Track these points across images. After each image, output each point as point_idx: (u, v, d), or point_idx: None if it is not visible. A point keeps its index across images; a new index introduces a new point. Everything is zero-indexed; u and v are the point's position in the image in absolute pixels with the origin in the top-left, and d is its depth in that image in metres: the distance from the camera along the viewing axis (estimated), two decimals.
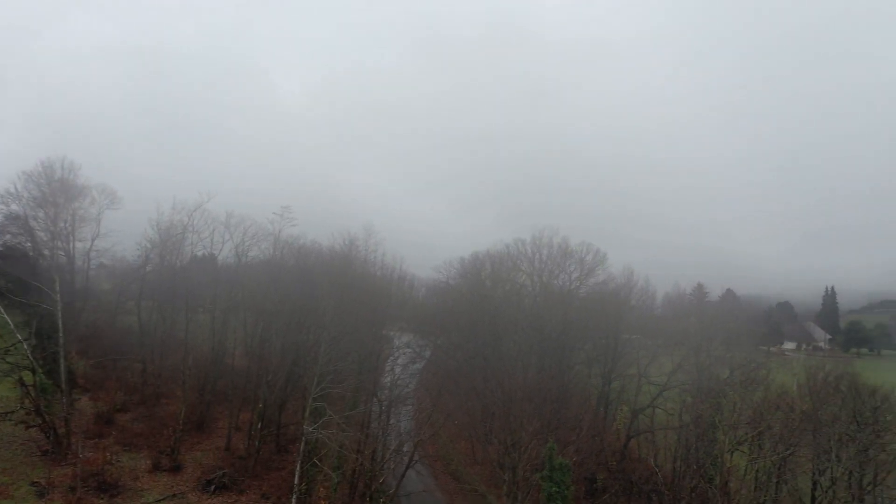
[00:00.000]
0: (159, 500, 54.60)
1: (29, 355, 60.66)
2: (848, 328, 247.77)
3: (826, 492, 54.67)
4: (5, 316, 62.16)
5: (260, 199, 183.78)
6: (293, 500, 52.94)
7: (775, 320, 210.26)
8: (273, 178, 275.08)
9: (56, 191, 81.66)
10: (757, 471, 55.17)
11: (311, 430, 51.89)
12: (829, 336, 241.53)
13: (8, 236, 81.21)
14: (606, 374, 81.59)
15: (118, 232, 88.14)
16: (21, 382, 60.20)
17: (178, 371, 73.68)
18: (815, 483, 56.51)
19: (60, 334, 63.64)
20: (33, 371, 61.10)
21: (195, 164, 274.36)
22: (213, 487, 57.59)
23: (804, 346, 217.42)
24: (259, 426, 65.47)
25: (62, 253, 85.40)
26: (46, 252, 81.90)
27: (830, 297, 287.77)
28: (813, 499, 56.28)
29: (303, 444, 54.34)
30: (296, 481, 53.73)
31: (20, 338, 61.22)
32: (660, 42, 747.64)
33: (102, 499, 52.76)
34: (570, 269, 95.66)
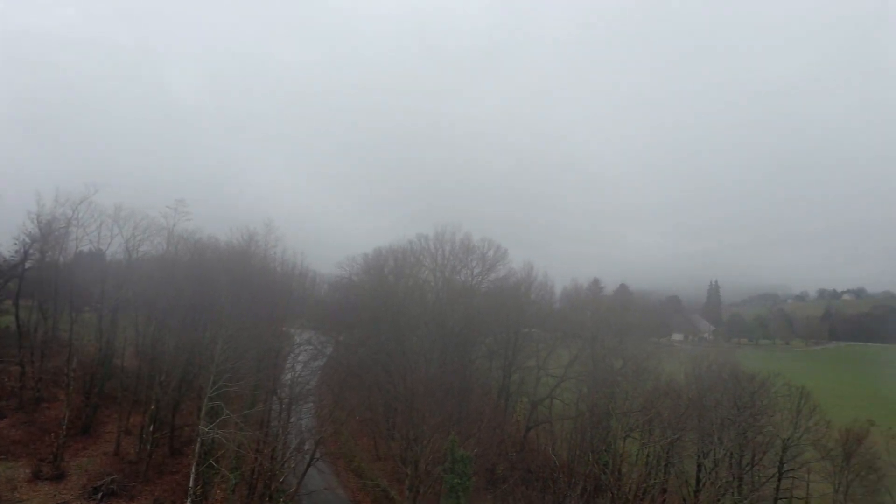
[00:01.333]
0: None
1: None
2: (730, 320, 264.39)
3: (709, 473, 57.98)
4: None
5: (153, 193, 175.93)
6: None
7: (665, 313, 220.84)
8: (168, 172, 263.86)
9: None
10: (647, 455, 57.88)
11: (207, 430, 50.12)
12: (713, 327, 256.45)
13: None
14: (507, 367, 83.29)
15: None
16: None
17: (61, 373, 69.32)
18: (699, 465, 59.89)
19: None
20: None
21: (81, 156, 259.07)
22: (100, 495, 54.61)
23: (691, 336, 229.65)
24: (151, 428, 62.62)
25: None
26: None
27: (714, 291, 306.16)
28: (697, 480, 59.60)
29: (198, 445, 52.41)
30: (191, 484, 51.79)
31: None
32: (561, 48, 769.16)
33: None
34: (472, 264, 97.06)
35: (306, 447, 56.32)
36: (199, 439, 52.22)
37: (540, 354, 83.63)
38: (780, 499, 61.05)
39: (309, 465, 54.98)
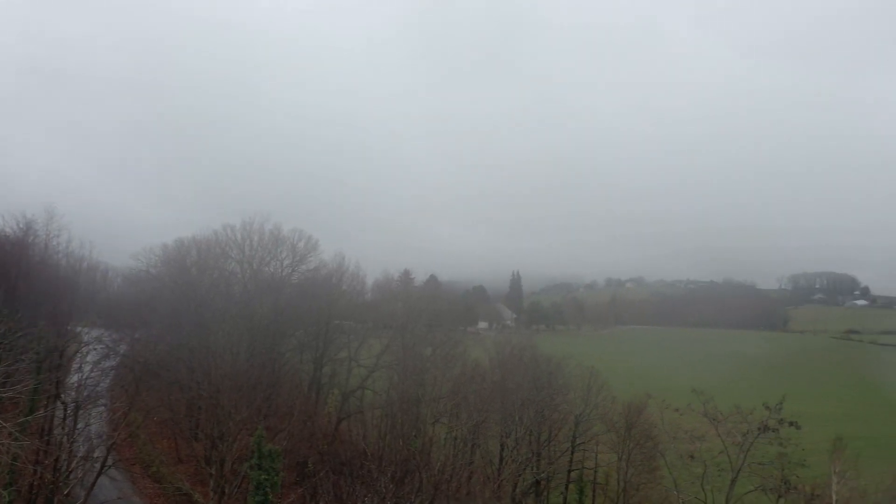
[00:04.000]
0: None
1: None
2: (530, 307, 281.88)
3: (511, 451, 61.52)
4: None
5: None
6: None
7: (471, 302, 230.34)
8: None
9: None
10: (455, 438, 60.16)
11: None
12: (515, 315, 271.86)
13: None
14: (318, 360, 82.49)
15: None
16: None
17: None
18: (502, 444, 63.33)
19: None
20: None
21: None
22: None
23: (495, 324, 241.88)
24: None
25: None
26: None
27: (516, 280, 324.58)
28: (501, 458, 62.98)
29: None
30: None
31: None
32: (376, 45, 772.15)
33: None
34: (282, 255, 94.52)
35: (96, 455, 51.66)
36: None
37: (352, 346, 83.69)
38: (573, 470, 66.24)
39: (99, 474, 50.51)
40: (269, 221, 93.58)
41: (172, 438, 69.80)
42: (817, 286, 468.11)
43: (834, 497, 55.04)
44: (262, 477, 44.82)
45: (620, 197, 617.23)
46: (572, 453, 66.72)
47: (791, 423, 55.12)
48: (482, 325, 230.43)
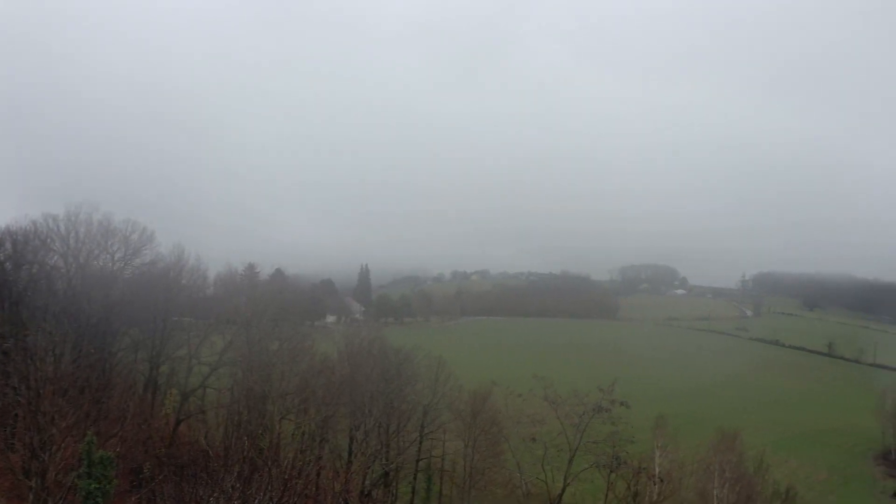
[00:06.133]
0: None
1: None
2: (378, 301, 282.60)
3: (360, 443, 61.43)
4: None
5: None
6: None
7: (319, 296, 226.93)
8: None
9: None
10: (304, 434, 59.05)
11: None
12: (363, 308, 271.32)
13: None
14: (154, 358, 77.79)
15: None
16: None
17: None
18: (351, 437, 63.07)
19: None
20: None
21: None
22: None
23: (344, 318, 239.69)
24: None
25: None
26: None
27: (365, 274, 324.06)
28: (350, 452, 62.70)
29: None
30: None
31: None
32: (217, 22, 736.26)
33: None
34: (113, 248, 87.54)
35: None
36: None
37: (192, 343, 79.54)
38: (422, 459, 67.36)
39: None
40: (97, 211, 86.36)
41: None
42: (643, 277, 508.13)
43: (657, 469, 60.08)
44: (93, 486, 41.58)
45: (466, 193, 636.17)
46: (420, 443, 67.76)
47: (622, 404, 59.38)
48: (330, 318, 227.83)
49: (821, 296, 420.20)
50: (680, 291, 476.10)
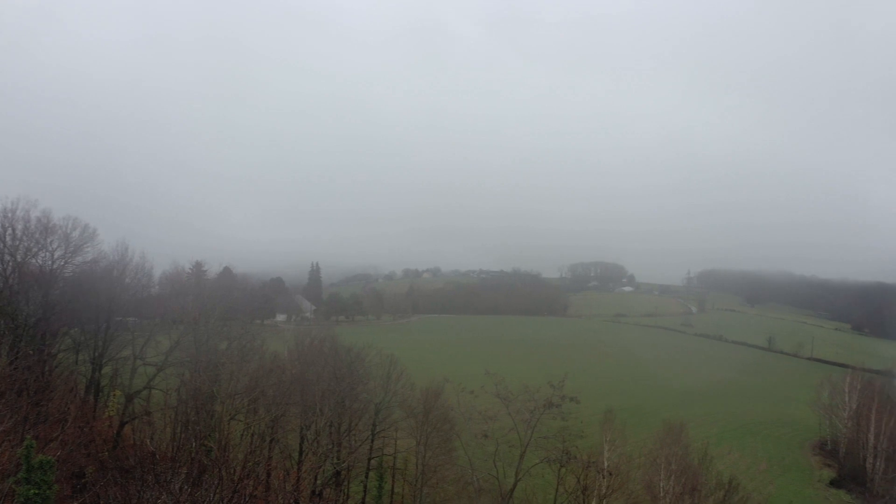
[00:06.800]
0: None
1: None
2: (329, 299, 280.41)
3: (311, 443, 60.85)
4: None
5: None
6: None
7: (269, 294, 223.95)
8: None
9: None
10: (253, 434, 58.19)
11: None
12: (314, 306, 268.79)
13: None
14: (97, 359, 75.70)
15: None
16: None
17: None
18: (302, 437, 62.39)
19: None
20: None
21: None
22: None
23: (294, 316, 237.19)
24: None
25: None
26: None
27: (315, 272, 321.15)
28: (301, 452, 62.04)
29: None
30: None
31: None
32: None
33: None
34: (52, 246, 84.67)
35: None
36: None
37: (137, 343, 77.58)
38: (374, 458, 67.04)
39: None
40: (35, 208, 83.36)
41: None
42: (592, 274, 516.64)
43: (606, 463, 61.08)
44: (32, 492, 40.15)
45: (419, 192, 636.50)
46: (372, 441, 67.49)
47: (572, 399, 60.12)
48: (280, 317, 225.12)
49: (762, 292, 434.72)
50: (628, 288, 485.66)
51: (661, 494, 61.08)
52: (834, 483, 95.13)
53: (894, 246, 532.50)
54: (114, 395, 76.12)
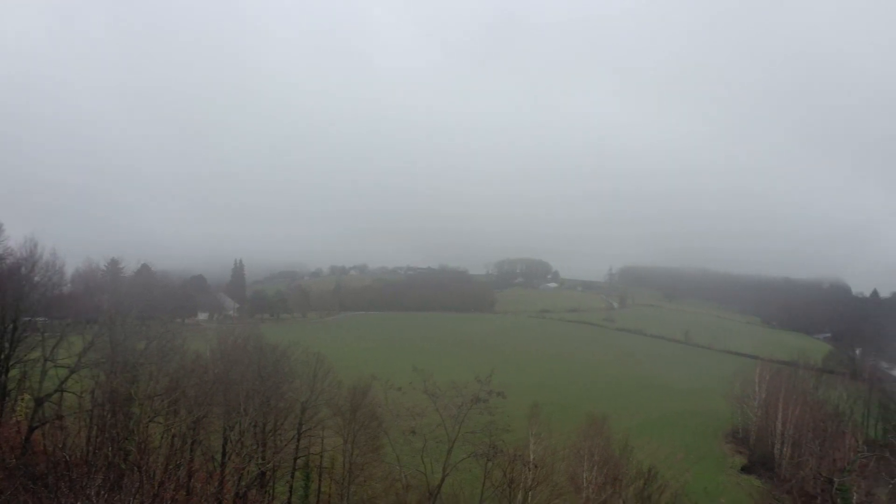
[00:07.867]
0: None
1: None
2: (253, 297, 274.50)
3: (235, 444, 59.50)
4: None
5: None
6: None
7: (190, 292, 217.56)
8: None
9: None
10: (174, 436, 56.44)
11: None
12: (237, 305, 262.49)
13: None
14: (3, 362, 71.63)
15: None
16: None
17: None
18: (225, 438, 60.91)
19: None
20: None
21: None
22: None
23: (216, 315, 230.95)
24: None
25: None
26: None
27: (239, 269, 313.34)
28: (224, 453, 60.57)
29: None
30: None
31: None
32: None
33: None
34: None
35: None
36: None
37: (47, 344, 73.85)
38: (300, 457, 66.20)
39: None
40: None
41: None
42: (518, 271, 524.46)
43: (532, 456, 62.29)
44: None
45: (345, 189, 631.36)
46: (298, 440, 66.59)
47: (498, 394, 60.86)
48: (202, 315, 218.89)
49: (680, 288, 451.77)
50: (552, 285, 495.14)
51: (585, 485, 62.80)
52: (745, 469, 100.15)
53: (799, 243, 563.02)
54: (22, 398, 72.41)
